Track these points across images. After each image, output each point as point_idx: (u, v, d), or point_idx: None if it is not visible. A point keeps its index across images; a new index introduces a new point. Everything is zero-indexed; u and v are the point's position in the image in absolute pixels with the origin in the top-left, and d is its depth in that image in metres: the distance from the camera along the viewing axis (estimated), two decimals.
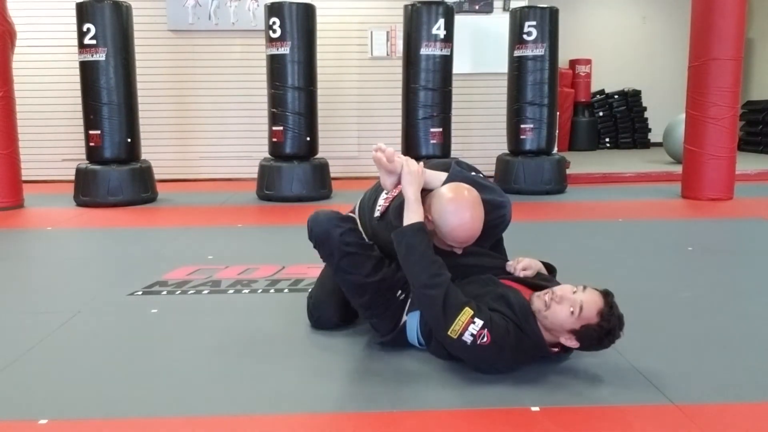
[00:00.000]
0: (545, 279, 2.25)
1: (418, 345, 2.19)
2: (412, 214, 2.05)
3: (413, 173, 2.09)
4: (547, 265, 2.36)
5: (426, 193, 2.17)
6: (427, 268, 1.98)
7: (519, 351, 1.96)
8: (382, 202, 2.33)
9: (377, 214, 2.32)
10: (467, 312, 1.91)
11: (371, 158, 2.20)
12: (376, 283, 2.16)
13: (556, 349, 2.03)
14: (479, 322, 1.90)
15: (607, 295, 1.94)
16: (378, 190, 2.39)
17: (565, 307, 1.91)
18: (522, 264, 2.22)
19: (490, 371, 2.00)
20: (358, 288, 2.18)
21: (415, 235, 2.01)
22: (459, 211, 2.06)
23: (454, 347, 1.96)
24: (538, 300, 1.97)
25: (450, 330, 1.90)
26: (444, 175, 2.21)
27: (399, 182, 2.16)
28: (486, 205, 2.15)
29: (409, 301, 2.18)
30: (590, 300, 1.91)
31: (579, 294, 1.92)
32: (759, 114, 9.70)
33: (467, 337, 1.90)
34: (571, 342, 1.95)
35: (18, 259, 3.79)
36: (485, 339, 1.89)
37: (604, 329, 1.90)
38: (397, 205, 2.24)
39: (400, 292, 2.18)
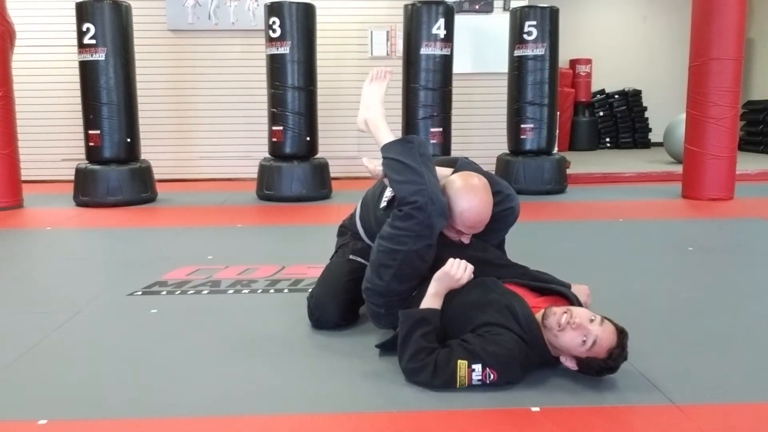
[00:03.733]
0: (547, 278, 2.26)
1: None
2: (425, 303, 2.06)
3: (447, 274, 2.06)
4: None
5: None
6: (416, 355, 1.95)
7: (525, 364, 1.96)
8: (388, 193, 2.37)
9: (383, 204, 2.36)
10: (462, 365, 1.89)
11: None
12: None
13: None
14: (478, 367, 1.89)
15: (621, 333, 1.92)
16: (383, 185, 2.42)
17: (578, 334, 1.88)
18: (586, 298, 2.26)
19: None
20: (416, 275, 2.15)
21: (418, 322, 1.99)
22: (469, 195, 2.11)
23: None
24: (553, 317, 1.92)
25: (458, 385, 1.90)
26: (449, 171, 2.25)
27: None
28: (495, 196, 2.20)
29: (413, 301, 2.16)
30: (605, 337, 1.88)
31: (596, 326, 1.88)
32: (759, 114, 9.70)
33: (476, 383, 1.90)
34: (570, 364, 1.95)
35: (18, 260, 3.78)
36: (492, 377, 1.90)
37: (607, 365, 1.91)
38: None
39: (415, 292, 2.18)
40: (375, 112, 2.33)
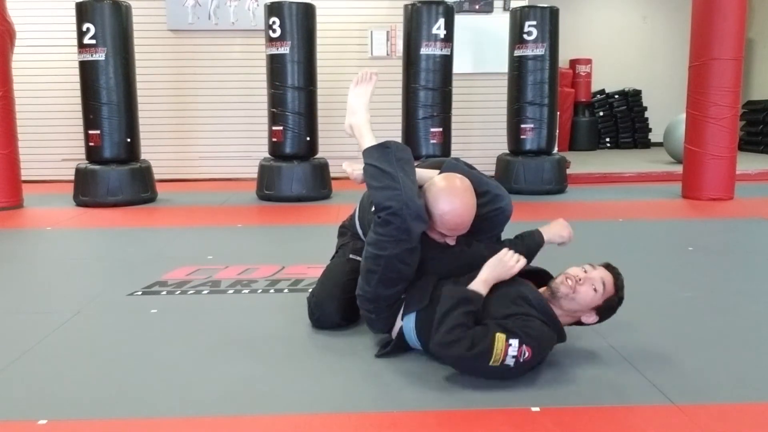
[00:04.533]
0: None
1: (418, 346, 2.18)
2: (473, 286, 2.05)
3: (501, 261, 2.08)
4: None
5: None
6: (454, 329, 1.94)
7: (548, 347, 2.03)
8: None
9: (374, 208, 2.33)
10: (500, 338, 1.89)
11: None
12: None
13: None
14: (515, 342, 1.89)
15: (610, 266, 2.10)
16: None
17: (588, 287, 2.02)
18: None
19: (516, 377, 1.97)
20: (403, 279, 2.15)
21: (463, 300, 1.99)
22: (448, 198, 2.08)
23: (495, 373, 1.92)
24: (564, 286, 2.03)
25: (492, 361, 1.89)
26: (435, 172, 2.24)
27: None
28: (481, 197, 2.18)
29: (404, 304, 2.16)
30: (606, 276, 2.05)
31: (594, 272, 2.04)
32: (759, 114, 9.70)
33: (509, 361, 1.89)
34: (591, 318, 2.07)
35: (17, 260, 3.78)
36: (527, 354, 1.91)
37: (620, 297, 2.07)
38: None
39: (404, 295, 2.17)
40: (360, 118, 2.33)
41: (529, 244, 2.35)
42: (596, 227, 4.56)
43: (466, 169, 2.28)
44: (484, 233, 2.28)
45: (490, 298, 2.05)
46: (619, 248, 3.90)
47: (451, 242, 2.18)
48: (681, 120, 6.79)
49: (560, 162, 6.20)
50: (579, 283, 2.01)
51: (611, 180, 6.92)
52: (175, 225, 4.77)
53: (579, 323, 2.10)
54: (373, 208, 2.29)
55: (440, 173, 2.24)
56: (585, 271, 2.04)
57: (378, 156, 2.14)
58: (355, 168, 2.32)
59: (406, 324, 2.15)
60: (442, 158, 2.35)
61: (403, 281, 2.13)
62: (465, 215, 2.11)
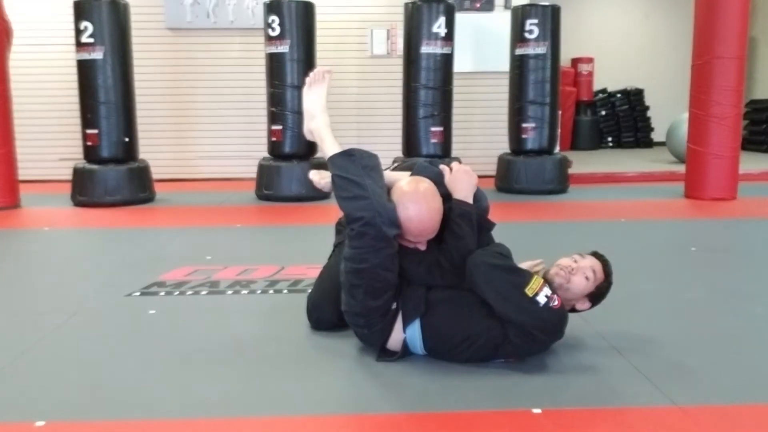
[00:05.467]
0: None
1: (421, 353, 2.14)
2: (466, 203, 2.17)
3: (461, 176, 2.17)
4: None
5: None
6: (490, 250, 2.09)
7: (566, 322, 2.07)
8: None
9: (346, 220, 2.29)
10: (538, 279, 2.01)
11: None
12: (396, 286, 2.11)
13: None
14: (548, 289, 2.00)
15: (597, 254, 2.16)
16: None
17: (581, 276, 2.09)
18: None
19: (534, 350, 2.08)
20: (385, 288, 2.08)
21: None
22: (412, 203, 2.04)
23: (526, 311, 1.96)
24: (558, 277, 2.09)
25: (528, 288, 1.96)
26: (406, 174, 2.21)
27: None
28: (448, 201, 2.13)
29: (401, 315, 2.11)
30: (595, 264, 2.12)
31: (583, 261, 2.12)
32: (763, 113, 9.67)
33: (541, 298, 1.96)
34: (585, 305, 2.14)
35: (15, 260, 3.76)
36: (556, 302, 1.99)
37: (609, 282, 2.14)
38: None
39: (395, 305, 2.12)
40: (319, 122, 2.25)
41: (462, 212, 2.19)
42: (598, 227, 4.54)
43: (436, 172, 2.23)
44: None
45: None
46: (622, 249, 3.84)
47: (422, 247, 2.13)
48: (684, 119, 6.74)
49: (562, 161, 6.17)
50: (572, 273, 2.08)
51: (613, 180, 6.89)
52: (174, 225, 4.75)
53: (573, 310, 2.15)
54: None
55: (412, 175, 2.19)
56: (575, 261, 2.11)
57: (341, 165, 2.08)
58: (322, 176, 2.26)
59: (410, 334, 2.10)
60: (414, 160, 2.30)
61: (390, 289, 2.08)
62: (430, 220, 2.06)
